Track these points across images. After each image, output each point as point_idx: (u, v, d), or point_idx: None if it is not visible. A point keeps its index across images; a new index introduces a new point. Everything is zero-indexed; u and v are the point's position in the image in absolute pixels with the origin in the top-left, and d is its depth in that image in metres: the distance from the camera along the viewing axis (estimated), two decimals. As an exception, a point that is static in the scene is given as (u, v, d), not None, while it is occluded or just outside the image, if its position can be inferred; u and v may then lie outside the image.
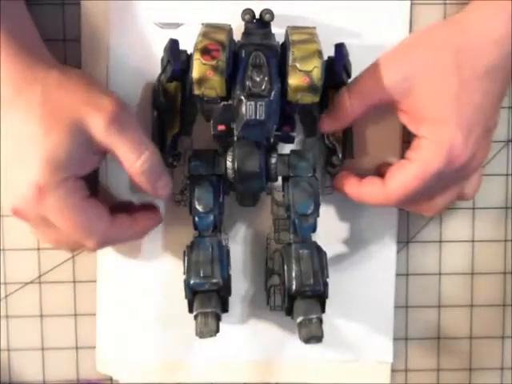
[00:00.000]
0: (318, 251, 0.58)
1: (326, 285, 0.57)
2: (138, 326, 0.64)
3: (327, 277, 0.57)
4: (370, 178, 0.59)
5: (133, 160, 0.54)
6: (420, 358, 0.68)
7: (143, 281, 0.64)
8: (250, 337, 0.65)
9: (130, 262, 0.64)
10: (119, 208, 0.58)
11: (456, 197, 0.60)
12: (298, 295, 0.57)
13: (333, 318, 0.64)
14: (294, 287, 0.56)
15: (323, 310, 0.57)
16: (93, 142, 0.53)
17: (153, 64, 0.59)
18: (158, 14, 0.61)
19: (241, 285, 0.64)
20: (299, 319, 0.56)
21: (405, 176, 0.56)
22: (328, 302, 0.57)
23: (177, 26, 0.61)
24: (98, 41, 0.61)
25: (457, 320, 0.67)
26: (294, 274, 0.57)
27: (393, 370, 0.66)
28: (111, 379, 0.66)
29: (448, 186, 0.58)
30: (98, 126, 0.53)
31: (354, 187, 0.59)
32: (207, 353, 0.65)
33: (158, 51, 0.58)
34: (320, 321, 0.56)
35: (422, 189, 0.56)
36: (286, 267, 0.57)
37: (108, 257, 0.63)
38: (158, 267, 0.64)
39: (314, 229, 0.58)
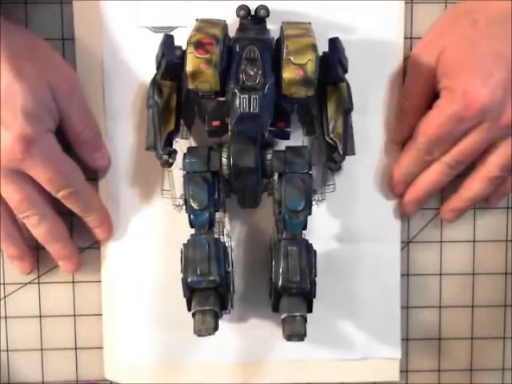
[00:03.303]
0: (308, 249, 0.57)
1: (313, 283, 0.57)
2: (139, 328, 0.64)
3: (315, 276, 0.57)
4: None
5: (81, 129, 0.60)
6: (421, 358, 0.67)
7: (146, 284, 0.64)
8: (252, 338, 0.65)
9: (134, 266, 0.64)
10: None
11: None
12: (284, 292, 0.56)
13: (340, 318, 0.64)
14: (280, 283, 0.56)
15: (310, 310, 0.57)
16: (54, 104, 0.58)
17: (147, 68, 0.59)
18: (151, 17, 0.61)
19: (243, 286, 0.64)
20: (283, 316, 0.56)
21: (428, 121, 0.60)
22: (335, 302, 0.56)
23: (170, 29, 0.61)
24: (92, 43, 0.61)
25: (457, 321, 0.67)
26: (280, 270, 0.56)
27: (394, 371, 0.66)
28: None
29: (494, 140, 0.60)
30: (62, 91, 0.58)
31: (396, 165, 0.63)
32: (210, 354, 0.64)
33: (152, 55, 0.58)
34: (304, 319, 0.56)
35: (445, 130, 0.59)
36: (273, 263, 0.57)
37: (112, 260, 0.64)
38: (162, 272, 0.64)
39: (304, 226, 0.57)
